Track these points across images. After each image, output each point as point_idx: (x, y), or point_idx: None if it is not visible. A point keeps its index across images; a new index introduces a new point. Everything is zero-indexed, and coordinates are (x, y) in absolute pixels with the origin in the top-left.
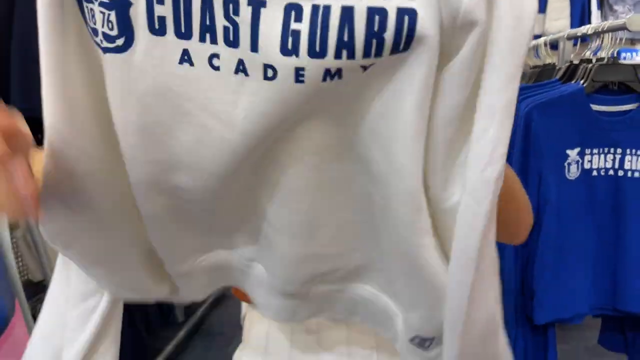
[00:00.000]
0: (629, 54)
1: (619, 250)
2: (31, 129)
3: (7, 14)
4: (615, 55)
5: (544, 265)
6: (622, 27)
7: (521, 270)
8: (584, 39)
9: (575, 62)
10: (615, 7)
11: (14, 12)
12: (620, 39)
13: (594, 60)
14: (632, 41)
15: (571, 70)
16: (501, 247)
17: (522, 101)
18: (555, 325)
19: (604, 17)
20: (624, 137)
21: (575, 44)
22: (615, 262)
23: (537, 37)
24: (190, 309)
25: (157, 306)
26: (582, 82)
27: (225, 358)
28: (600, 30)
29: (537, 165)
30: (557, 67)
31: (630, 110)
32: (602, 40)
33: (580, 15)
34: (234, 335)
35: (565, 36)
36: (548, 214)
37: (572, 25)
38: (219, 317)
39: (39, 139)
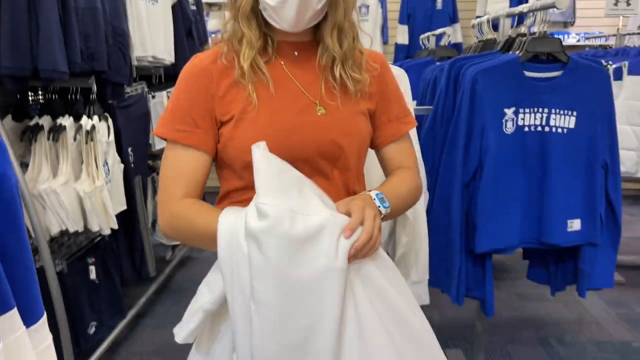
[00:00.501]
0: (561, 36)
1: (544, 192)
2: (16, 87)
3: None
4: (544, 31)
5: (483, 205)
6: (552, 6)
7: (465, 209)
8: (521, 19)
9: (513, 36)
10: None
11: None
12: (550, 17)
13: (528, 35)
14: (565, 24)
15: (509, 43)
16: (449, 190)
17: (469, 67)
18: (492, 257)
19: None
20: (550, 99)
21: (512, 24)
22: (540, 202)
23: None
24: (159, 265)
25: (131, 262)
26: (517, 52)
27: None
28: (533, 8)
29: (480, 121)
30: (498, 41)
31: (556, 77)
32: (535, 18)
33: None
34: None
35: (505, 14)
36: (488, 161)
37: (511, 7)
38: (186, 275)
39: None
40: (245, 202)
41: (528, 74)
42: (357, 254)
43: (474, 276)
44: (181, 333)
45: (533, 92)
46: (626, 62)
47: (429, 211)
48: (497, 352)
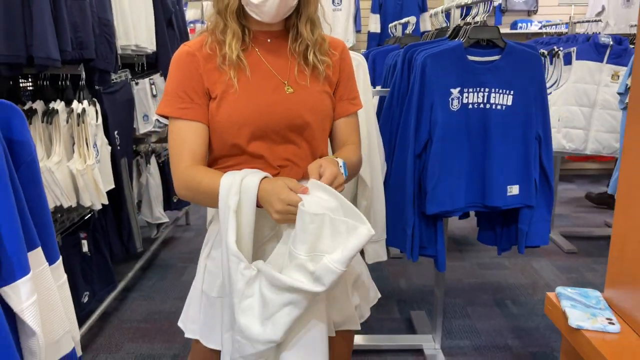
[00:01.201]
0: (525, 24)
1: (486, 161)
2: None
3: None
4: (484, 21)
5: (433, 172)
6: None
7: (418, 176)
8: (469, 10)
9: (461, 25)
10: None
11: None
12: (494, 7)
13: (472, 23)
14: (529, 13)
15: (456, 31)
16: (404, 160)
17: (420, 52)
18: (442, 219)
19: None
20: (490, 79)
21: (462, 14)
22: (483, 170)
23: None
24: (145, 244)
25: (119, 238)
26: (462, 39)
27: (179, 286)
28: (476, 1)
29: (429, 99)
30: (448, 29)
31: (494, 60)
32: (479, 8)
33: None
34: (185, 268)
35: (454, 6)
36: (436, 134)
37: None
38: (169, 253)
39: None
40: (229, 168)
41: (471, 58)
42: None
43: (427, 236)
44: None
45: (475, 74)
46: (574, 48)
47: (386, 179)
48: (458, 312)
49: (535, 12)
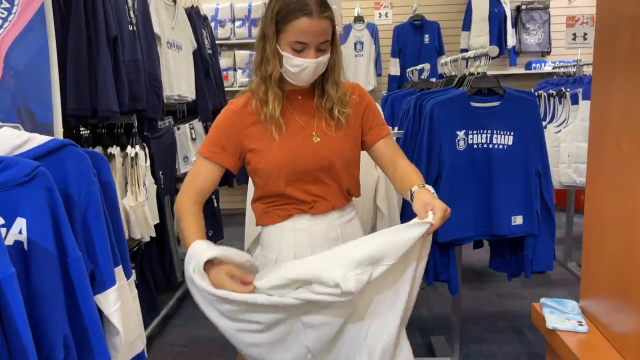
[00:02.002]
0: (539, 64)
1: (491, 194)
2: (79, 124)
3: (63, 33)
4: (485, 72)
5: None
6: (486, 54)
7: None
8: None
9: (467, 74)
10: (528, 25)
11: (68, 30)
12: (488, 58)
13: (475, 74)
14: (542, 54)
15: (461, 80)
16: None
17: (429, 100)
18: (454, 247)
19: (518, 33)
20: (491, 122)
21: (466, 64)
22: (489, 202)
23: (464, 50)
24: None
25: (162, 268)
26: (465, 88)
27: None
28: (474, 56)
29: (438, 140)
30: (456, 78)
31: (495, 106)
32: (481, 61)
33: (497, 32)
34: None
35: (461, 57)
36: (445, 172)
37: (491, 41)
38: None
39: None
40: (271, 205)
41: (474, 104)
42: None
43: (441, 263)
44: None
45: (478, 118)
46: (580, 89)
47: (402, 211)
48: (476, 338)
49: (548, 53)
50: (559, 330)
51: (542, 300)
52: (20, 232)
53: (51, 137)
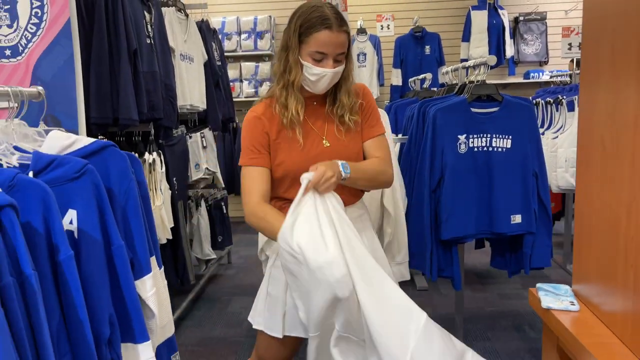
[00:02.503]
0: (536, 73)
1: (491, 194)
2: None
3: (86, 46)
4: (484, 80)
5: (446, 204)
6: (485, 63)
7: (434, 208)
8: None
9: (467, 82)
10: (525, 36)
11: (91, 44)
12: (487, 67)
13: (475, 81)
14: (540, 63)
15: (462, 88)
16: (421, 195)
17: (432, 106)
18: (457, 244)
19: (516, 44)
20: (490, 127)
21: (467, 73)
22: (489, 202)
23: (464, 60)
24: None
25: (175, 271)
26: (466, 95)
27: (224, 316)
28: (474, 65)
29: (441, 144)
30: (457, 85)
31: (494, 111)
32: (480, 69)
33: (496, 43)
34: (229, 301)
35: (461, 67)
36: (448, 173)
37: (490, 51)
38: (215, 288)
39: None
40: (284, 202)
41: (474, 109)
42: (316, 187)
43: (444, 259)
44: (255, 317)
45: (478, 123)
46: (576, 97)
47: (407, 210)
48: (479, 336)
49: (546, 62)
50: (553, 309)
51: (538, 285)
52: (71, 223)
53: (95, 139)
